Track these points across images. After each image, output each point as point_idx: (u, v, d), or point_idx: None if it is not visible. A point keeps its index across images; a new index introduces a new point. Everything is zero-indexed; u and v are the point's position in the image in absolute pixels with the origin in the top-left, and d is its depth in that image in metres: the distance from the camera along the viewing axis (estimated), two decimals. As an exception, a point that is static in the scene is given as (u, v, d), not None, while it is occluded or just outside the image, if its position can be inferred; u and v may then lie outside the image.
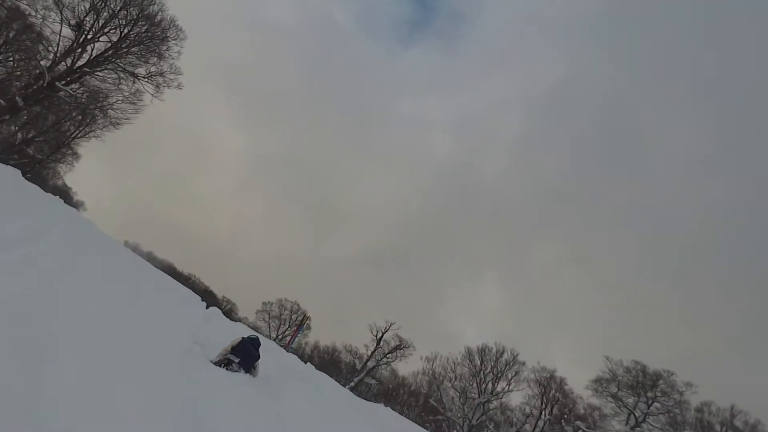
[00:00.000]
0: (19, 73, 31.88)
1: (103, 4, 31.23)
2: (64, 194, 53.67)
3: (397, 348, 50.91)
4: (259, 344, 10.40)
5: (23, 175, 24.52)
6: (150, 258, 66.23)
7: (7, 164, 31.48)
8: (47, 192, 22.58)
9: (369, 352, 51.15)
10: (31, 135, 39.40)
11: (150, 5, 32.51)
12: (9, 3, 29.94)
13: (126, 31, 31.68)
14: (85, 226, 17.37)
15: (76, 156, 44.02)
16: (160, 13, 32.78)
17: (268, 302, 62.16)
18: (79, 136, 39.07)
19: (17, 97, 27.60)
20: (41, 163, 41.62)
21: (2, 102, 26.93)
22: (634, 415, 41.76)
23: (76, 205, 60.69)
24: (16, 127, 39.48)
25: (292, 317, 60.33)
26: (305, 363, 18.75)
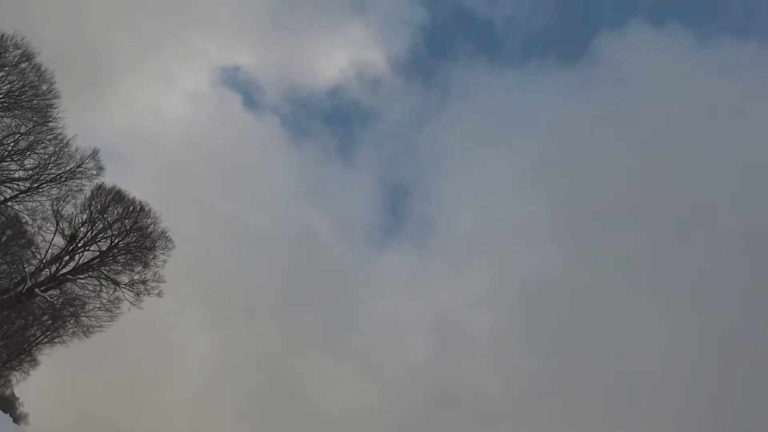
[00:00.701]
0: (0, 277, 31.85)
1: (100, 215, 32.99)
2: (10, 405, 49.18)
3: None
4: None
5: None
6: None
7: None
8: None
9: None
10: (-9, 340, 37.57)
11: (145, 218, 34.39)
12: (10, 211, 31.46)
13: (116, 241, 32.89)
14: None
15: (34, 363, 41.47)
16: (152, 226, 34.49)
17: None
18: (44, 341, 37.40)
19: (-9, 303, 27.10)
20: (-5, 370, 38.91)
21: (-27, 307, 26.31)
22: None
23: (20, 417, 55.17)
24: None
25: None
26: None
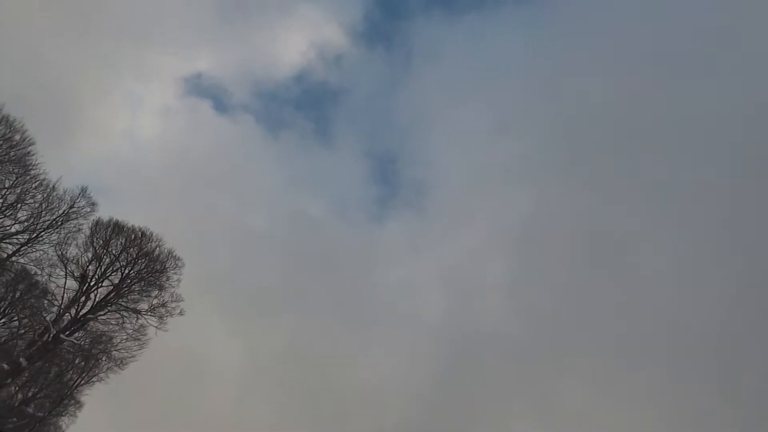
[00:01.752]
0: (23, 331, 32.17)
1: (104, 250, 33.08)
2: (66, 450, 50.12)
3: None
4: None
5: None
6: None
7: (5, 429, 29.97)
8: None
9: None
10: (31, 393, 38.17)
11: (148, 243, 34.45)
12: (17, 266, 31.57)
13: (127, 271, 33.06)
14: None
15: (78, 405, 42.15)
16: (157, 249, 34.57)
17: None
18: (82, 383, 37.97)
19: (21, 358, 27.44)
20: (42, 421, 39.57)
21: (5, 366, 26.65)
22: None
23: (79, 459, 56.32)
24: (16, 388, 38.38)
25: None
26: None
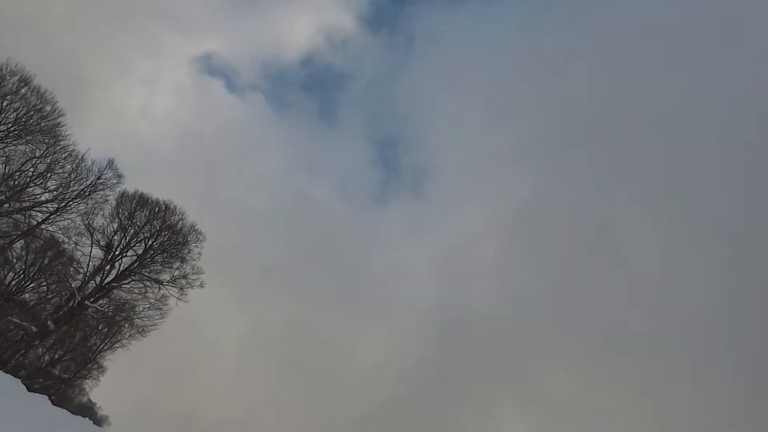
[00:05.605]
0: (51, 296, 33.39)
1: (129, 221, 33.92)
2: (90, 411, 52.21)
3: None
4: None
5: (49, 398, 24.25)
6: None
7: (32, 389, 31.35)
8: (75, 414, 22.14)
9: None
10: (57, 355, 39.72)
11: (171, 216, 35.17)
12: (46, 234, 32.62)
13: (150, 242, 33.89)
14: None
15: (101, 369, 43.75)
16: (180, 222, 35.31)
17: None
18: (105, 348, 39.34)
19: (48, 321, 28.54)
20: (67, 382, 41.21)
21: (33, 328, 27.77)
22: None
23: (101, 420, 58.61)
24: (44, 350, 39.96)
25: None
26: None
